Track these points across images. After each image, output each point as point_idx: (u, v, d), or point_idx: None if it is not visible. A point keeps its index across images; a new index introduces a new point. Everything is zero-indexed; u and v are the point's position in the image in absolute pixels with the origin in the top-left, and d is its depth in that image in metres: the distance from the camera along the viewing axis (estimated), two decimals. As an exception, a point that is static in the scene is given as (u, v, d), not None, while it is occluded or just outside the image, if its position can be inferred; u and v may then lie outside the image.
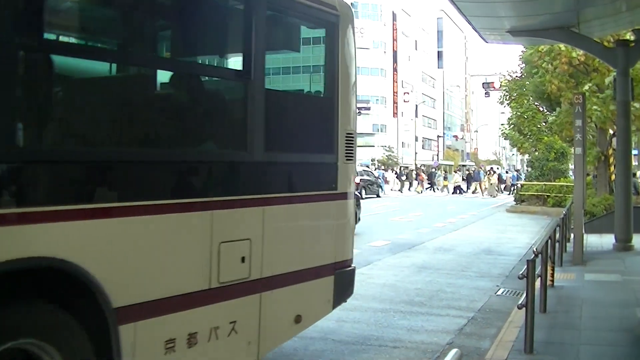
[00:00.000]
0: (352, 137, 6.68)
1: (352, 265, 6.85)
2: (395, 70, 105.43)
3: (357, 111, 7.17)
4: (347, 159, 6.62)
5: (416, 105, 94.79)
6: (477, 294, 11.15)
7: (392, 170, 66.12)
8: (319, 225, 6.48)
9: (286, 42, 6.62)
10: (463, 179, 59.55)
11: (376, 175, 51.12)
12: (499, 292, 11.39)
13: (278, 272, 5.73)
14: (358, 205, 19.82)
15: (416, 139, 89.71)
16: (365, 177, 42.88)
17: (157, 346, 4.61)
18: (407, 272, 13.41)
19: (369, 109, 79.22)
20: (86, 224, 4.12)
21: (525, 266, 7.26)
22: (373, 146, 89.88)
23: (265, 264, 5.52)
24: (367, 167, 58.06)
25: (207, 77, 5.92)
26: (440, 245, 18.15)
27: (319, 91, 6.99)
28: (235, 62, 5.86)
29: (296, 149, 6.17)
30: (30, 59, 3.96)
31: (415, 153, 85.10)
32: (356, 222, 19.25)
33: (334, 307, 6.60)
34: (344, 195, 6.65)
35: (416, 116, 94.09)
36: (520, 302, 7.44)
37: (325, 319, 8.49)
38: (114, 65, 5.16)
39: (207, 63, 6.34)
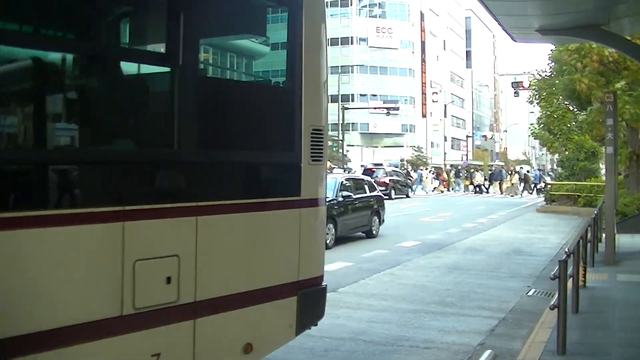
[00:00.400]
0: (321, 134, 5.72)
1: (323, 283, 5.90)
2: (423, 70, 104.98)
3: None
4: (314, 160, 5.64)
5: (445, 105, 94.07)
6: (507, 295, 11.08)
7: (429, 170, 65.64)
8: (275, 238, 5.44)
9: (245, 25, 5.83)
10: (485, 179, 59.03)
11: (415, 175, 51.12)
12: (530, 293, 11.31)
13: (219, 294, 4.82)
14: (381, 207, 19.88)
15: (445, 139, 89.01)
16: (394, 177, 42.80)
17: None
18: (437, 272, 13.37)
19: (397, 109, 78.85)
20: None
21: (557, 266, 7.21)
22: (402, 146, 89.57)
23: (200, 285, 4.62)
24: (397, 167, 57.84)
25: (120, 60, 4.76)
26: (470, 246, 18.07)
27: (277, 81, 6.13)
28: (160, 44, 4.82)
29: (242, 146, 5.20)
30: None
31: (445, 153, 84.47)
32: (380, 224, 19.46)
33: (297, 332, 5.57)
34: (310, 202, 5.68)
35: (445, 116, 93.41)
36: (552, 302, 7.39)
37: (355, 320, 8.56)
38: None
39: (122, 43, 5.20)
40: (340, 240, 16.89)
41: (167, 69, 4.67)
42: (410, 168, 64.09)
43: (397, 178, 43.73)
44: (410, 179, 49.88)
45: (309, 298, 5.61)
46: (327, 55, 5.98)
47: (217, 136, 4.96)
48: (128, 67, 4.84)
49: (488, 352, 3.51)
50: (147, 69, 4.86)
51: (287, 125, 5.51)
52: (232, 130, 5.12)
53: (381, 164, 55.52)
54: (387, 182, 40.53)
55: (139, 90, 4.88)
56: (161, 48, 4.73)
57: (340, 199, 17.36)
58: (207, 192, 4.77)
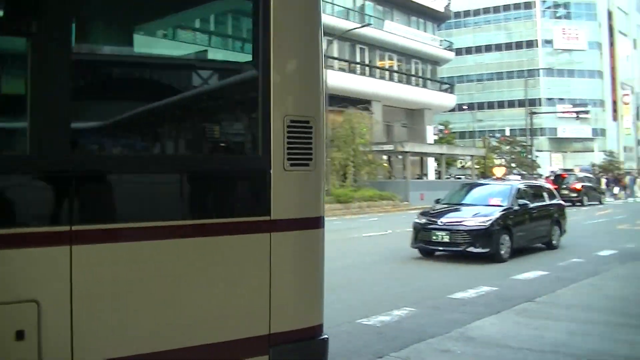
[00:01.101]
0: (305, 128, 4.07)
1: (320, 334, 4.19)
2: (613, 71, 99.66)
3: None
4: (296, 164, 4.04)
5: (637, 107, 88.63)
6: None
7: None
8: (221, 273, 3.84)
9: None
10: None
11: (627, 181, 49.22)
12: None
13: (112, 356, 3.40)
14: (562, 216, 18.75)
15: (638, 143, 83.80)
16: (586, 183, 40.95)
17: None
18: (639, 283, 12.51)
19: (587, 112, 75.47)
20: None
21: None
22: (592, 151, 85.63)
23: (80, 341, 3.28)
24: (589, 172, 55.31)
25: None
26: (675, 255, 16.76)
27: (227, 58, 4.88)
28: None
29: (150, 147, 3.97)
30: None
31: (638, 157, 79.52)
32: (561, 234, 18.32)
33: None
34: (287, 225, 4.01)
35: (637, 119, 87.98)
36: None
37: (555, 331, 8.19)
38: None
39: None
40: (518, 252, 16.12)
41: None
42: (602, 173, 61.14)
43: (590, 184, 41.79)
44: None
45: (290, 356, 4.01)
46: (317, 28, 4.27)
47: (106, 135, 3.76)
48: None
49: None
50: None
51: (245, 118, 4.18)
52: (140, 124, 3.93)
53: (572, 170, 53.47)
54: (579, 188, 38.88)
55: None
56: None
57: (516, 207, 16.37)
58: (87, 212, 3.42)
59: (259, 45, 3.95)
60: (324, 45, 3.95)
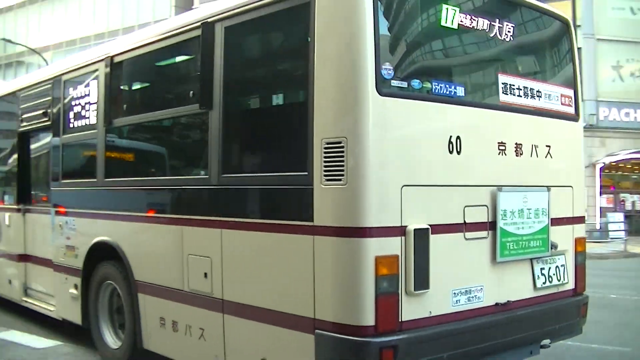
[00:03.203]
0: (337, 148, 4.52)
1: (369, 335, 4.38)
2: None
3: None
4: (330, 179, 4.55)
5: None
6: None
7: None
8: (282, 263, 4.99)
9: None
10: None
11: None
12: None
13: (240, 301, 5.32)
14: None
15: None
16: None
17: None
18: None
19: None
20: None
21: None
22: None
23: (227, 283, 5.45)
24: None
25: None
26: None
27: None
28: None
29: (251, 171, 5.60)
30: None
31: None
32: None
33: None
34: (326, 231, 4.59)
35: None
36: None
37: None
38: None
39: None
40: None
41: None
42: None
43: None
44: None
45: (332, 343, 4.49)
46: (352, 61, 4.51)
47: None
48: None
49: None
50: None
51: (296, 143, 4.89)
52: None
53: None
54: None
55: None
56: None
57: None
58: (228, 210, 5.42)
59: (308, 84, 4.67)
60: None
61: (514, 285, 5.36)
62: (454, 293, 4.85)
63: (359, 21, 4.43)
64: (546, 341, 5.83)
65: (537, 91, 5.64)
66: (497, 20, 5.40)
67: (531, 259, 5.52)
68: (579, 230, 6.09)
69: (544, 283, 5.61)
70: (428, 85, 4.79)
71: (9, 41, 43.09)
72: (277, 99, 5.73)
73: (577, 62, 6.26)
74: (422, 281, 4.55)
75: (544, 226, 5.52)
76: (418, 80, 4.73)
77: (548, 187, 5.58)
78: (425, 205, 4.67)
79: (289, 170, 4.89)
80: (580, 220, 6.12)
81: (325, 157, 4.52)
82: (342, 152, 4.44)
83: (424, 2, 5.08)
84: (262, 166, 5.44)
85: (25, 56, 52.42)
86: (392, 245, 4.46)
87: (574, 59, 6.20)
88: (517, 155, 5.37)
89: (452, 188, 4.89)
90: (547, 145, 5.66)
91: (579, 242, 6.06)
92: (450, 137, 4.82)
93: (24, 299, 9.24)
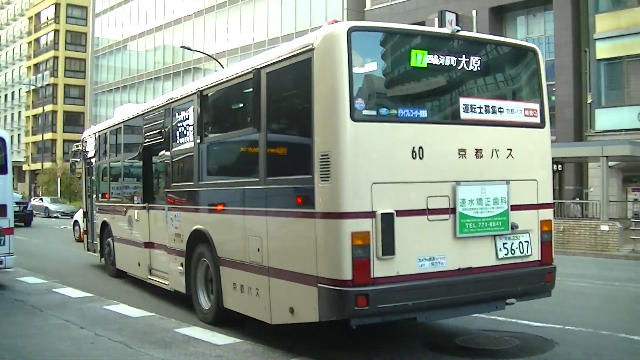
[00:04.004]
0: (327, 158, 6.86)
1: (347, 286, 6.37)
2: None
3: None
4: (323, 179, 7.24)
5: None
6: None
7: None
8: (297, 239, 7.21)
9: None
10: None
11: None
12: None
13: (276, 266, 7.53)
14: None
15: None
16: None
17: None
18: None
19: None
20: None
21: None
22: None
23: (270, 253, 7.69)
24: None
25: None
26: None
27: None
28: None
29: (280, 174, 7.77)
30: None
31: None
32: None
33: (321, 318, 6.68)
34: (323, 215, 6.65)
35: None
36: None
37: None
38: None
39: None
40: None
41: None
42: None
43: None
44: None
45: (326, 293, 6.52)
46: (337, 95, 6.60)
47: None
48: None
49: None
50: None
51: (305, 157, 6.87)
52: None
53: None
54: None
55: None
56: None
57: None
58: (270, 203, 7.66)
59: (311, 114, 6.79)
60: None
61: (476, 255, 7.17)
62: (419, 259, 6.77)
63: (337, 72, 6.51)
64: (512, 300, 7.59)
65: (498, 108, 7.42)
66: (464, 56, 7.25)
67: (494, 236, 7.30)
68: (545, 214, 7.77)
69: (506, 254, 7.37)
70: (394, 111, 6.80)
71: (188, 48, 44.74)
72: (295, 124, 7.57)
73: (544, 82, 7.94)
74: (388, 249, 6.52)
75: (504, 211, 7.29)
76: (386, 108, 6.74)
77: (507, 181, 7.34)
78: (392, 196, 6.62)
79: (302, 174, 6.94)
80: (546, 206, 7.81)
81: (320, 165, 6.60)
82: (328, 161, 6.51)
83: (393, 49, 7.09)
84: (287, 171, 7.40)
85: (201, 62, 54.78)
86: (364, 224, 6.46)
87: (540, 79, 7.90)
88: (477, 158, 7.19)
89: (415, 184, 6.80)
90: (508, 149, 7.42)
91: (545, 223, 7.74)
92: (414, 147, 6.75)
93: (149, 277, 11.87)
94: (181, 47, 47.90)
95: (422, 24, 28.00)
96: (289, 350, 7.50)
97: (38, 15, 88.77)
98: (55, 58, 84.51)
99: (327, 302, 6.56)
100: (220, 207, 8.92)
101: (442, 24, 30.55)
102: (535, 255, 7.65)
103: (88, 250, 16.73)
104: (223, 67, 29.99)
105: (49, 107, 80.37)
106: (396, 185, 6.69)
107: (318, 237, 6.69)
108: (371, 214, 6.48)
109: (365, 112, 6.57)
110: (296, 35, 42.19)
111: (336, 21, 6.85)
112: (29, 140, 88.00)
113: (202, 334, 8.22)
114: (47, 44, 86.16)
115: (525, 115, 7.68)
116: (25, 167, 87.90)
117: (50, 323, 8.98)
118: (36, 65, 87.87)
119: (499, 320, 9.29)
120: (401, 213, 6.63)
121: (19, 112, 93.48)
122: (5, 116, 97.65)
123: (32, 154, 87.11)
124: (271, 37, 47.95)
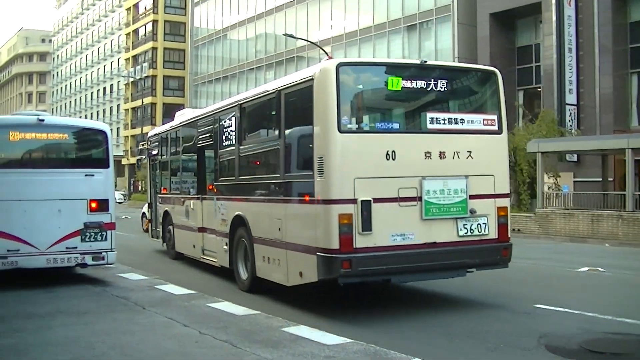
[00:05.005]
0: (322, 160, 9.10)
1: (335, 253, 8.70)
2: None
3: None
4: (320, 175, 9.37)
5: None
6: None
7: None
8: (304, 219, 9.57)
9: None
10: None
11: None
12: None
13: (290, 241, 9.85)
14: None
15: None
16: None
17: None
18: None
19: None
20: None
21: None
22: None
23: (286, 231, 9.98)
24: None
25: None
26: None
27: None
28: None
29: (293, 171, 10.54)
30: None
31: None
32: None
33: (319, 277, 9.04)
34: (321, 202, 9.00)
35: None
36: None
37: None
38: None
39: None
40: None
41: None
42: None
43: None
44: None
45: (321, 260, 8.91)
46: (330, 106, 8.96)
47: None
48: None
49: None
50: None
51: (310, 159, 9.24)
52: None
53: None
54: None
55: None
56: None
57: None
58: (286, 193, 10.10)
59: (313, 127, 9.23)
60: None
61: (440, 233, 9.41)
62: (392, 235, 9.06)
63: (329, 96, 8.88)
64: (472, 270, 9.82)
65: (460, 119, 9.63)
66: (432, 79, 9.49)
67: (456, 218, 9.50)
68: (501, 202, 9.95)
69: (466, 233, 9.56)
70: (373, 124, 9.22)
71: (291, 36, 44.08)
72: (303, 134, 9.74)
73: (502, 97, 10.09)
74: (366, 227, 8.82)
75: (463, 199, 9.49)
76: (366, 123, 9.13)
77: (467, 176, 9.54)
78: (370, 188, 8.91)
79: (307, 171, 9.33)
80: (502, 196, 9.99)
81: (317, 165, 9.01)
82: (323, 162, 8.88)
83: (374, 77, 9.50)
84: (298, 169, 9.81)
85: (304, 50, 52.67)
86: (348, 208, 8.81)
87: (499, 95, 10.07)
88: (440, 159, 9.42)
89: (389, 179, 9.08)
90: (468, 151, 9.60)
91: (501, 209, 9.92)
92: (387, 151, 9.04)
93: (202, 256, 14.42)
94: (284, 34, 46.55)
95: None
96: (404, 352, 7.12)
97: (136, 6, 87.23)
98: (154, 49, 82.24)
99: (322, 265, 8.90)
100: (253, 197, 11.33)
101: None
102: (493, 234, 9.82)
103: (152, 237, 19.54)
104: (328, 55, 29.28)
105: (148, 100, 79.94)
106: (373, 179, 8.98)
107: (316, 218, 9.03)
108: (354, 201, 8.79)
109: (349, 125, 8.93)
110: (403, 21, 43.07)
111: (331, 58, 9.18)
112: (128, 133, 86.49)
113: (311, 334, 7.95)
114: (145, 35, 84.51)
115: (484, 125, 9.86)
116: (124, 161, 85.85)
117: (153, 320, 9.04)
118: (135, 57, 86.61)
119: (627, 322, 9.15)
120: (377, 200, 8.92)
121: (118, 105, 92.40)
122: (104, 109, 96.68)
123: (131, 148, 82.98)
124: (377, 22, 46.59)
